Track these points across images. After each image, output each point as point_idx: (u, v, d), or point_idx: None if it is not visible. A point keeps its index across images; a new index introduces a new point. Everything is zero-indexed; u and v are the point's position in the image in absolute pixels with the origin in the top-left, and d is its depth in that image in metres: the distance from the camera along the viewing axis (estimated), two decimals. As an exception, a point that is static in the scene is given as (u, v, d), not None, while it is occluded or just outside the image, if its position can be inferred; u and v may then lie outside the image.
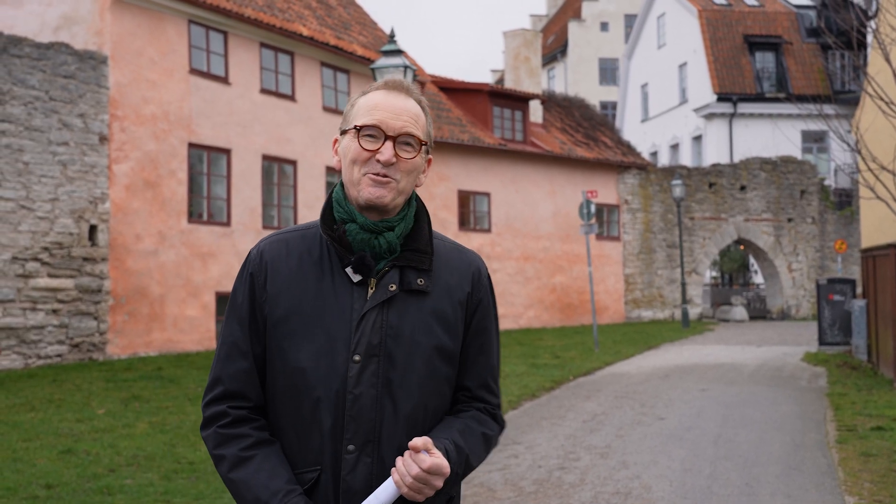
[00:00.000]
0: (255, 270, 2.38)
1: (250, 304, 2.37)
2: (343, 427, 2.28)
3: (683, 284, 31.11)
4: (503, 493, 8.14)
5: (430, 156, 2.46)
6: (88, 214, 17.39)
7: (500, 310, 29.05)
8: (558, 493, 8.11)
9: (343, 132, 2.40)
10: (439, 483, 2.22)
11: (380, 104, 2.35)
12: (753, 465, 9.09)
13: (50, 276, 16.68)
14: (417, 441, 2.20)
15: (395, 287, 2.33)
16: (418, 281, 2.35)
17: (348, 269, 2.33)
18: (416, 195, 2.45)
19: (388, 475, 2.27)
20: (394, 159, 2.31)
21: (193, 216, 19.97)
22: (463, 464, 2.30)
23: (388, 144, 2.32)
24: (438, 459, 2.21)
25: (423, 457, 2.19)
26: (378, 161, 2.31)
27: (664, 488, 8.20)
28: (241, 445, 2.30)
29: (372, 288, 2.33)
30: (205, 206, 20.40)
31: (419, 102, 2.41)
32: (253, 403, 2.36)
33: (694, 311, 34.04)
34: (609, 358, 19.60)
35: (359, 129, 2.34)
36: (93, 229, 17.55)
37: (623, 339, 24.40)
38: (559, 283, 31.09)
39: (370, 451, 2.28)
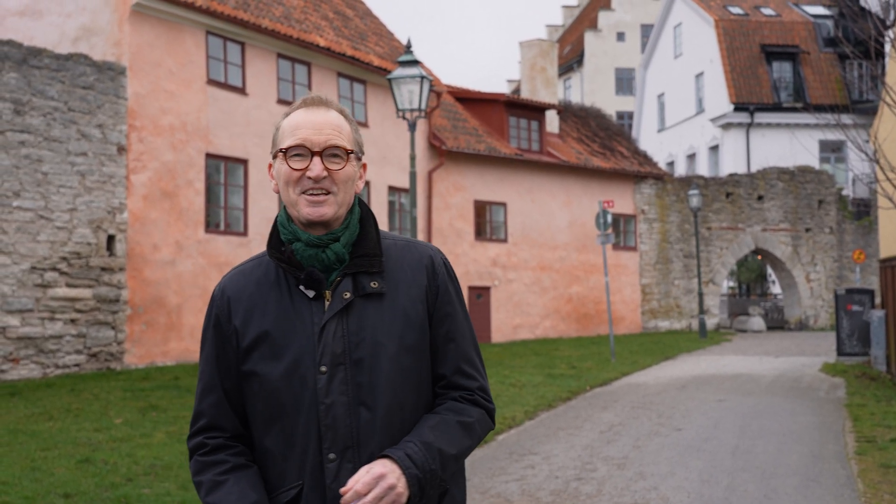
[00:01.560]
0: (219, 310, 2.47)
1: (215, 340, 2.46)
2: (321, 437, 2.33)
3: (700, 294, 31.01)
4: (520, 503, 8.12)
5: (364, 161, 2.51)
6: (106, 224, 17.48)
7: (517, 320, 29.05)
8: (575, 503, 8.08)
9: (273, 157, 2.46)
10: (400, 491, 2.24)
11: (301, 123, 2.41)
12: (771, 477, 9.04)
13: (68, 285, 16.77)
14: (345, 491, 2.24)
15: (349, 294, 2.38)
16: (372, 284, 2.40)
17: (301, 287, 2.39)
18: (360, 200, 2.50)
19: None
20: (324, 173, 2.37)
21: (210, 226, 20.04)
22: (437, 458, 2.31)
23: (316, 160, 2.37)
24: (369, 477, 2.23)
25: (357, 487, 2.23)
26: (309, 178, 2.37)
27: (682, 500, 8.16)
28: (216, 471, 2.39)
29: (328, 300, 2.38)
30: (222, 216, 20.48)
31: (341, 112, 2.47)
32: (229, 433, 2.45)
33: (711, 322, 33.90)
34: (626, 368, 19.54)
35: (285, 151, 2.40)
36: (111, 239, 17.64)
37: (640, 350, 24.33)
38: (575, 293, 31.04)
39: (351, 456, 2.32)
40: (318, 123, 2.39)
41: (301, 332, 2.36)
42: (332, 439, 2.32)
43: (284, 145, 2.39)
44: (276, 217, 2.48)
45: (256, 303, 2.41)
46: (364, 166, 2.51)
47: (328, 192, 2.37)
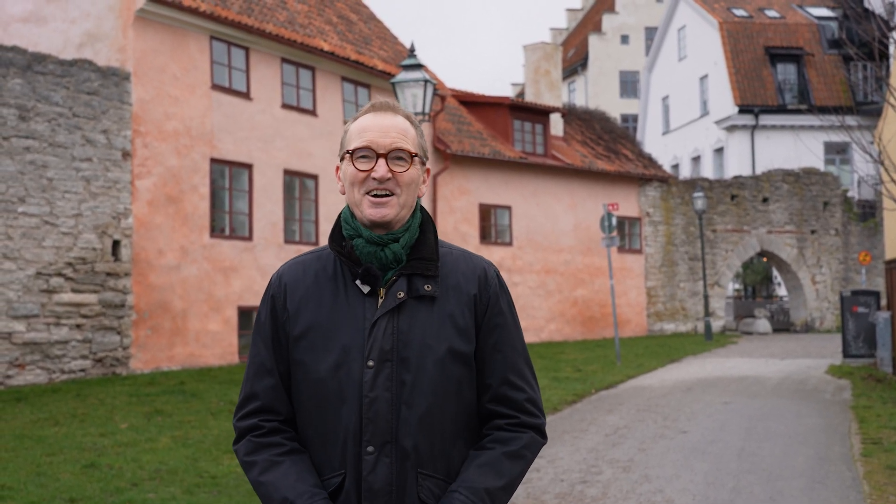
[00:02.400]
0: (275, 293, 2.53)
1: (272, 325, 2.52)
2: (362, 430, 2.39)
3: (706, 297, 30.98)
4: (525, 506, 8.11)
5: (428, 166, 2.58)
6: (111, 230, 17.51)
7: (522, 323, 28.88)
8: (580, 506, 8.08)
9: (341, 159, 2.53)
10: None
11: (368, 126, 2.49)
12: (777, 479, 9.02)
13: (73, 291, 16.80)
14: None
15: (403, 294, 2.44)
16: (426, 287, 2.46)
17: (357, 281, 2.45)
18: (422, 207, 2.57)
19: (406, 475, 2.39)
20: (389, 175, 2.45)
21: (215, 231, 20.07)
22: (484, 500, 2.38)
23: (381, 162, 2.45)
24: None
25: None
26: (374, 179, 2.44)
27: (687, 502, 8.15)
28: (273, 452, 2.45)
29: (382, 297, 2.45)
30: (227, 221, 20.50)
31: (407, 118, 2.54)
32: (283, 417, 2.51)
33: (717, 324, 33.86)
34: (631, 371, 19.52)
35: (352, 153, 2.48)
36: (116, 244, 17.67)
37: (645, 353, 24.30)
38: (581, 296, 31.02)
39: (388, 451, 2.39)
40: (384, 127, 2.47)
41: (352, 326, 2.43)
42: (372, 433, 2.38)
43: (351, 147, 2.48)
44: (340, 213, 2.55)
45: (312, 294, 2.48)
46: (427, 171, 2.58)
47: (392, 194, 2.45)
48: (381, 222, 2.44)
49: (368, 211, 2.44)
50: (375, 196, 2.44)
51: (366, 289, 2.44)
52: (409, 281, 2.46)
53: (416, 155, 2.50)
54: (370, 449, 2.38)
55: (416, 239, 2.50)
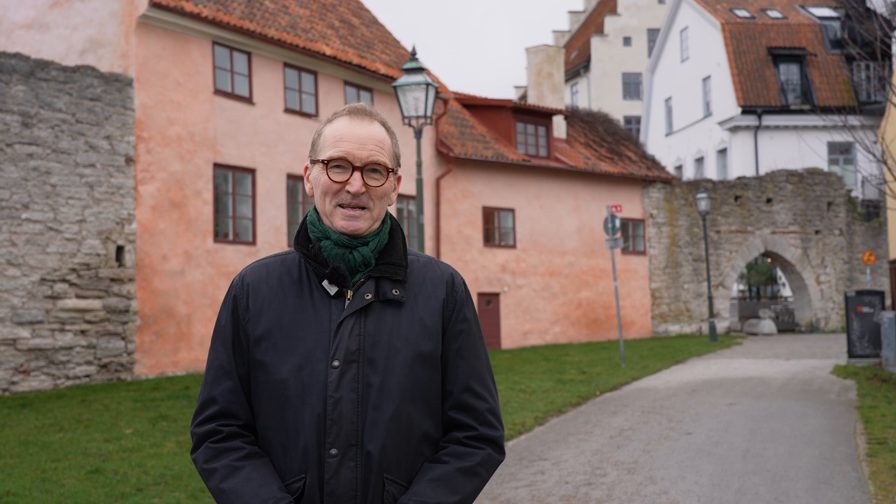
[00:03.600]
0: (237, 293, 2.48)
1: (233, 326, 2.46)
2: (325, 432, 2.33)
3: (710, 298, 30.96)
4: (530, 509, 8.11)
5: (399, 174, 2.53)
6: (115, 235, 17.53)
7: (526, 325, 29.03)
8: (585, 509, 8.07)
9: (313, 162, 2.48)
10: None
11: (345, 135, 2.43)
12: (782, 480, 9.01)
13: (78, 297, 16.82)
14: None
15: (370, 296, 2.40)
16: (393, 291, 2.43)
17: (324, 282, 2.41)
18: (390, 214, 2.54)
19: (371, 479, 2.33)
20: (363, 189, 2.41)
21: (219, 236, 20.09)
22: None
23: (357, 175, 2.41)
24: None
25: None
26: (348, 192, 2.40)
27: (692, 503, 8.14)
28: (232, 457, 2.37)
29: (349, 298, 2.41)
30: (230, 226, 20.52)
31: (384, 125, 2.50)
32: (242, 421, 2.44)
33: (721, 325, 33.82)
34: (636, 373, 19.50)
35: (326, 163, 2.42)
36: (120, 250, 17.69)
37: (650, 354, 24.28)
38: (585, 298, 31.00)
39: (353, 454, 2.33)
40: (361, 137, 2.42)
41: (317, 328, 2.38)
42: (336, 434, 2.33)
43: (326, 156, 2.42)
44: (306, 215, 2.51)
45: (275, 295, 2.43)
46: (398, 178, 2.54)
47: (364, 208, 2.42)
48: (352, 235, 2.42)
49: (340, 223, 2.41)
50: (349, 209, 2.41)
51: (333, 290, 2.40)
52: (377, 284, 2.42)
53: (393, 170, 2.47)
54: (333, 451, 2.32)
55: (385, 244, 2.48)
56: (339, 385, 2.34)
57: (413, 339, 2.40)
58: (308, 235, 2.47)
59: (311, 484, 2.33)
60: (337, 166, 2.41)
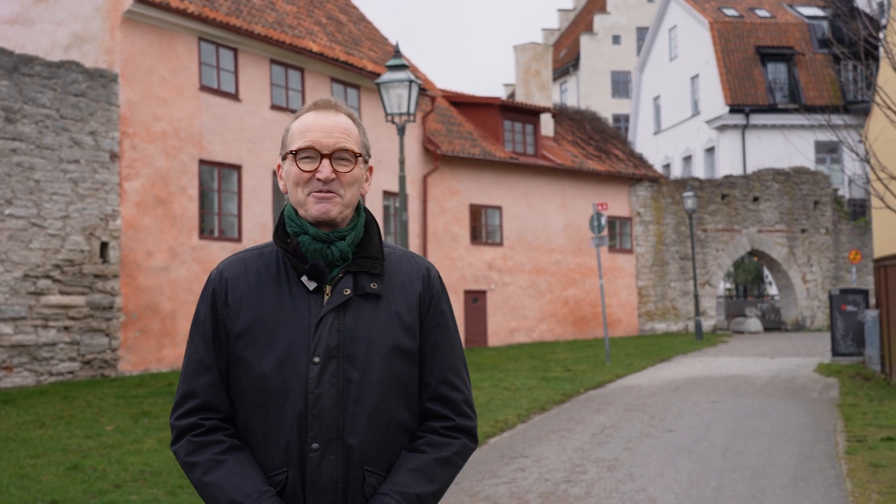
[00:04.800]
0: (216, 287, 2.49)
1: (212, 320, 2.47)
2: (307, 426, 2.35)
3: (696, 296, 31.02)
4: (508, 506, 8.12)
5: (370, 164, 2.58)
6: (99, 231, 17.48)
7: (513, 323, 29.05)
8: (563, 506, 8.08)
9: (283, 158, 2.51)
10: None
11: (311, 126, 2.47)
12: (761, 477, 9.04)
13: (61, 293, 16.77)
14: None
15: (349, 291, 2.42)
16: (371, 285, 2.45)
17: (303, 277, 2.43)
18: (365, 207, 2.57)
19: (352, 472, 2.37)
20: (333, 175, 2.43)
21: (204, 232, 20.05)
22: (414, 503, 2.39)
23: (325, 162, 2.44)
24: None
25: None
26: (318, 179, 2.42)
27: (670, 500, 8.16)
28: (214, 451, 2.39)
29: (327, 294, 2.43)
30: (216, 223, 20.49)
31: (350, 116, 2.53)
32: (223, 415, 2.45)
33: (708, 323, 33.91)
34: (620, 371, 19.54)
35: (295, 154, 2.45)
36: (104, 246, 17.64)
37: (635, 352, 24.33)
38: (571, 296, 31.04)
39: (334, 448, 2.36)
40: (327, 126, 2.46)
41: (297, 323, 2.40)
42: (317, 429, 2.35)
43: (294, 147, 2.45)
44: (283, 210, 2.53)
45: (254, 290, 2.45)
46: (370, 169, 2.59)
47: (336, 194, 2.44)
48: (325, 219, 2.43)
49: (313, 208, 2.42)
50: (320, 193, 2.42)
51: (312, 285, 2.42)
52: (356, 279, 2.45)
53: (360, 155, 2.49)
54: (315, 446, 2.35)
55: (361, 238, 2.49)
56: (319, 381, 2.36)
57: (391, 333, 2.44)
58: (286, 230, 2.49)
59: (293, 477, 2.36)
60: (306, 156, 2.44)
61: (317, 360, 2.37)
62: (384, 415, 2.41)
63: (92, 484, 8.56)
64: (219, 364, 2.45)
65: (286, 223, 2.49)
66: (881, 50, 16.92)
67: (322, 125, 2.46)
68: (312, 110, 2.50)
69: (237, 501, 2.31)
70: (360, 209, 2.53)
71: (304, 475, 2.36)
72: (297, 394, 2.36)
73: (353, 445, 2.37)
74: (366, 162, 2.54)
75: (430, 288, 2.53)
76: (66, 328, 16.81)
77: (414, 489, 2.38)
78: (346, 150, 2.45)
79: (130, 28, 18.53)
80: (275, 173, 21.63)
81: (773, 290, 41.22)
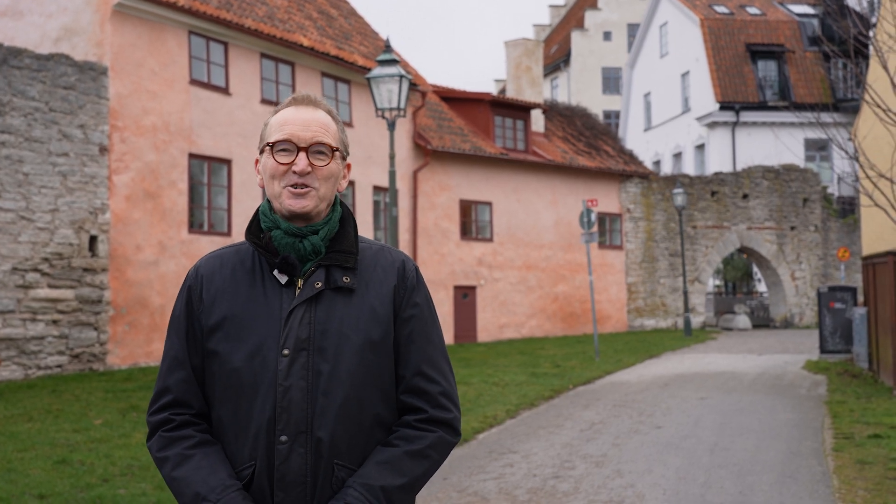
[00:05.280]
0: (192, 284, 2.53)
1: (187, 316, 2.51)
2: (275, 419, 2.37)
3: (686, 293, 31.09)
4: (496, 501, 8.13)
5: (348, 162, 2.58)
6: (88, 225, 17.43)
7: (503, 319, 29.06)
8: (552, 501, 8.10)
9: (261, 151, 2.52)
10: None
11: (289, 119, 2.48)
12: (748, 474, 9.07)
13: (50, 286, 16.72)
14: None
15: (320, 284, 2.44)
16: (344, 279, 2.46)
17: (275, 271, 2.45)
18: (341, 202, 2.58)
19: (321, 465, 2.36)
20: (309, 168, 2.44)
21: (194, 226, 20.01)
22: (379, 498, 2.36)
23: (302, 155, 2.45)
24: None
25: None
26: (294, 172, 2.43)
27: (657, 496, 8.19)
28: (184, 445, 2.42)
29: (299, 287, 2.45)
30: (205, 217, 20.44)
31: (329, 112, 2.54)
32: (195, 410, 2.48)
33: (697, 320, 33.99)
34: (609, 367, 19.58)
35: (272, 146, 2.46)
36: (93, 240, 17.59)
37: (624, 348, 24.37)
38: (561, 292, 31.08)
39: (303, 441, 2.37)
40: (305, 120, 2.47)
41: (268, 317, 2.42)
42: (285, 422, 2.36)
43: (272, 140, 2.46)
44: (260, 206, 2.54)
45: (228, 285, 2.47)
46: (348, 166, 2.59)
47: (311, 188, 2.44)
48: (300, 213, 2.44)
49: (288, 202, 2.43)
50: (295, 187, 2.43)
51: (283, 279, 2.44)
52: (328, 272, 2.46)
53: (337, 149, 2.50)
54: (283, 438, 2.35)
55: (335, 232, 2.51)
56: (288, 373, 2.37)
57: (363, 326, 2.43)
58: (260, 226, 2.50)
59: (261, 470, 2.37)
60: (283, 149, 2.45)
61: (286, 352, 2.38)
62: (355, 408, 2.40)
63: (80, 478, 8.54)
64: (193, 360, 2.48)
65: (260, 219, 2.51)
66: (871, 48, 16.97)
67: (300, 119, 2.47)
68: (291, 105, 2.51)
69: (202, 495, 2.33)
70: (336, 204, 2.55)
71: (273, 468, 2.37)
72: (268, 387, 2.37)
73: (322, 438, 2.36)
74: (343, 158, 2.54)
75: (405, 280, 2.53)
76: (55, 322, 16.77)
77: (379, 482, 2.36)
78: (323, 143, 2.46)
79: (120, 21, 18.47)
80: (265, 168, 21.70)
81: (761, 287, 41.34)
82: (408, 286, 2.53)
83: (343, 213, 2.55)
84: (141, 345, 18.41)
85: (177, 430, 2.43)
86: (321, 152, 2.46)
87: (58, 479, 8.47)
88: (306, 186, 2.44)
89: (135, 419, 12.03)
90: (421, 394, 2.49)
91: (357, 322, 2.43)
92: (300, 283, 2.44)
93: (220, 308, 2.45)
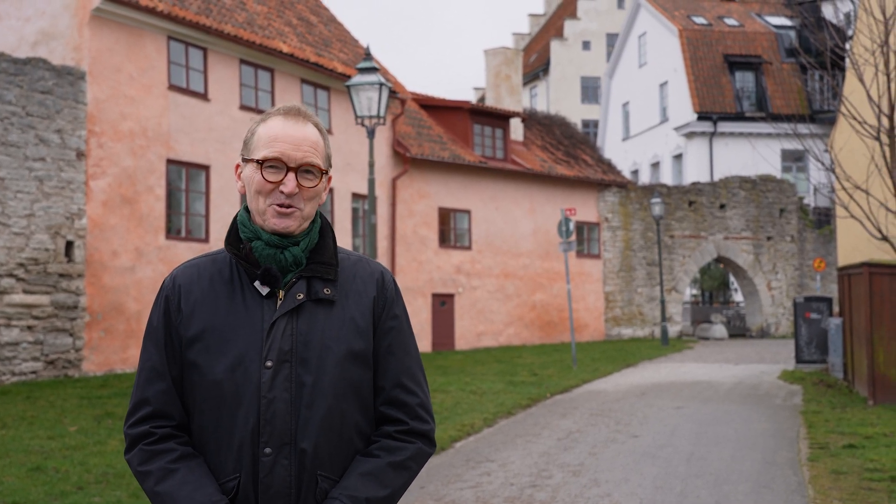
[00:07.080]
0: (169, 294, 2.49)
1: (165, 327, 2.47)
2: (259, 431, 2.35)
3: (663, 302, 31.19)
4: (473, 510, 8.12)
5: (330, 174, 2.55)
6: (65, 230, 17.31)
7: (481, 327, 29.07)
8: (528, 510, 8.10)
9: (244, 160, 2.49)
10: None
11: (279, 135, 2.44)
12: (724, 483, 9.10)
13: (25, 292, 16.59)
14: None
15: (302, 296, 2.43)
16: (325, 290, 2.45)
17: (256, 283, 2.43)
18: (320, 213, 2.56)
19: (305, 476, 2.36)
20: (297, 189, 2.42)
21: (171, 232, 19.91)
22: None
23: (291, 176, 2.43)
24: None
25: None
26: (282, 192, 2.42)
27: (634, 506, 8.20)
28: (166, 459, 2.37)
29: (281, 299, 2.43)
30: (183, 223, 20.35)
31: (317, 126, 2.51)
32: (176, 422, 2.45)
33: (674, 329, 34.11)
34: (587, 375, 19.61)
35: (261, 163, 2.43)
36: (69, 245, 17.48)
37: (602, 357, 24.42)
38: (539, 300, 31.12)
39: (287, 453, 2.36)
40: (296, 139, 2.44)
41: (249, 329, 2.40)
42: (269, 434, 2.35)
43: (260, 156, 2.43)
44: (236, 216, 2.52)
45: (207, 296, 2.45)
46: (329, 178, 2.55)
47: (296, 208, 2.43)
48: (283, 234, 2.44)
49: (272, 220, 2.42)
50: (281, 207, 2.42)
51: (265, 290, 2.42)
52: (309, 283, 2.45)
53: (326, 171, 2.49)
54: (268, 451, 2.34)
55: (315, 243, 2.50)
56: (272, 385, 2.36)
57: (344, 337, 2.43)
58: (239, 235, 2.48)
59: (246, 482, 2.36)
60: (271, 167, 2.42)
61: (269, 364, 2.37)
62: (338, 419, 2.40)
63: (54, 485, 8.48)
64: (172, 371, 2.45)
65: (239, 229, 2.49)
66: (847, 60, 17.11)
67: (291, 137, 2.44)
68: (281, 117, 2.48)
69: None
70: (315, 215, 2.53)
71: (257, 481, 2.35)
72: (250, 399, 2.36)
73: (306, 450, 2.36)
74: (327, 173, 2.53)
75: (384, 292, 2.53)
76: (30, 328, 16.64)
77: (364, 493, 2.37)
78: (312, 165, 2.44)
79: (99, 26, 18.38)
80: (243, 174, 21.62)
81: (738, 296, 41.54)
82: (387, 298, 2.53)
83: (322, 225, 2.54)
84: (117, 351, 18.29)
85: (158, 443, 2.40)
86: (310, 172, 2.44)
87: (32, 487, 8.40)
88: (292, 207, 2.42)
89: (110, 426, 11.94)
90: (400, 405, 2.50)
91: (338, 333, 2.42)
92: (281, 294, 2.43)
93: (200, 319, 2.42)
